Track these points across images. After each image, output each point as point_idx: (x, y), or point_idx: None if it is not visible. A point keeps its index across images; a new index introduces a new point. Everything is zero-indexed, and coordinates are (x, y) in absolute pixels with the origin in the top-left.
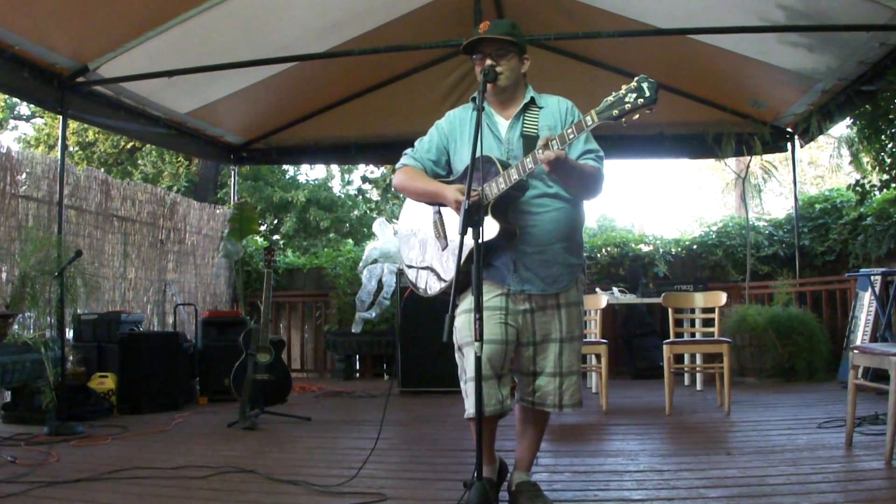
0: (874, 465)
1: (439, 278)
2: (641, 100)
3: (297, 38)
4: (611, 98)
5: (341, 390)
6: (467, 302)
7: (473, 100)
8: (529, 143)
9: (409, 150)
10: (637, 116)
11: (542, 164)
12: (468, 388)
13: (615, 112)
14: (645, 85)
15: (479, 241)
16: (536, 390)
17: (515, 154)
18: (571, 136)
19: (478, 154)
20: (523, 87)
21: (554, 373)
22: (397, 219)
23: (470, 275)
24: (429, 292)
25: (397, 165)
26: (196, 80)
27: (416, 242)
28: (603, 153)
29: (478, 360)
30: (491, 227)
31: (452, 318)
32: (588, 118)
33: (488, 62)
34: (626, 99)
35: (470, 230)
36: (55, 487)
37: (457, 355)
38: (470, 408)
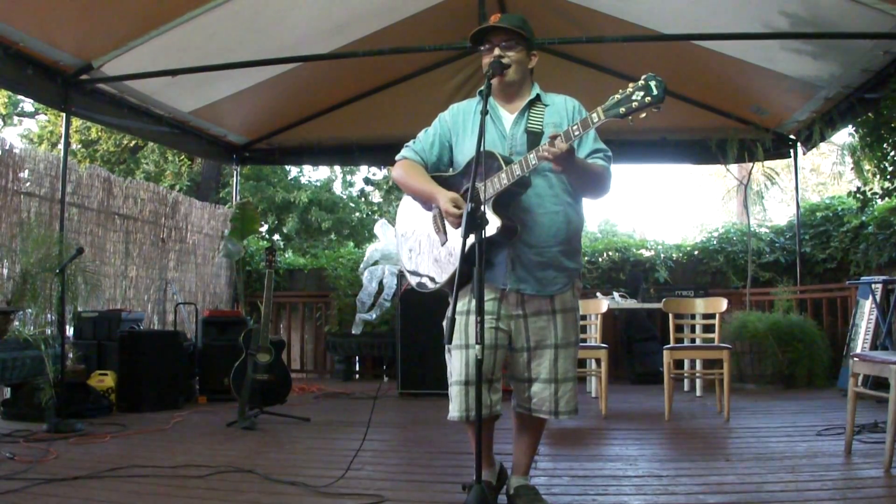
0: (873, 474)
1: (437, 275)
2: (649, 98)
3: (301, 39)
4: (618, 95)
5: (341, 391)
6: (460, 304)
7: (481, 93)
8: (533, 139)
9: (410, 143)
10: (644, 115)
11: (546, 161)
12: (452, 391)
13: (622, 110)
14: (653, 83)
15: (482, 244)
16: (532, 397)
17: (519, 150)
18: (577, 133)
19: (482, 149)
20: (529, 82)
21: (549, 379)
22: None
23: (465, 275)
24: (426, 288)
25: (397, 157)
26: (200, 79)
27: (414, 236)
28: (611, 152)
29: (478, 363)
30: (492, 223)
31: (453, 320)
32: (594, 115)
33: (496, 52)
34: (634, 97)
35: (467, 231)
36: (54, 485)
37: (446, 356)
38: (452, 411)
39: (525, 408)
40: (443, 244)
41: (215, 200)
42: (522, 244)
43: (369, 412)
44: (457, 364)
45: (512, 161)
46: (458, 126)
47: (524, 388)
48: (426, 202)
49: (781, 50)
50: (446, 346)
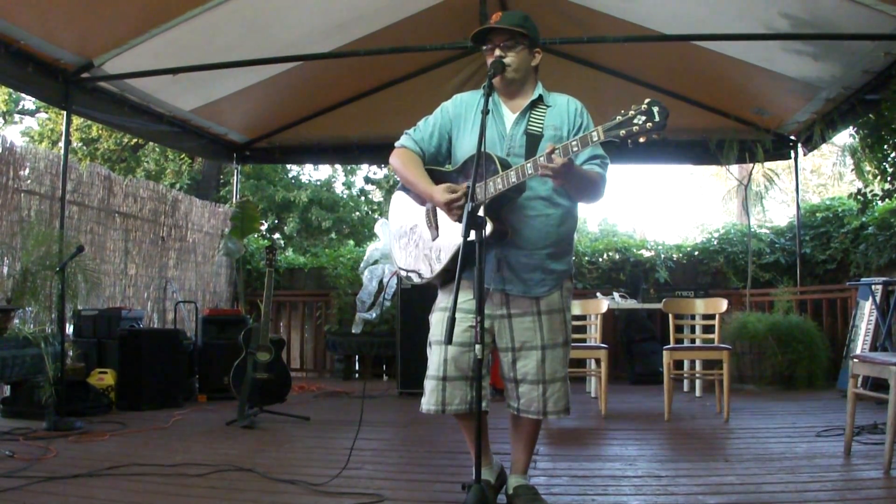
0: (872, 475)
1: (424, 270)
2: (650, 124)
3: (301, 38)
4: (619, 117)
5: (340, 390)
6: (445, 301)
7: (485, 87)
8: (532, 141)
9: (411, 130)
10: (643, 140)
11: (545, 176)
12: (427, 385)
13: (622, 132)
14: (655, 109)
15: (481, 243)
16: (520, 397)
17: (516, 151)
18: (576, 149)
19: (482, 154)
20: (533, 81)
21: (537, 380)
22: None
23: (453, 273)
24: (413, 280)
25: (397, 144)
26: (200, 77)
27: (405, 230)
28: (609, 159)
29: (479, 362)
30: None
31: (453, 320)
32: (594, 133)
33: (497, 53)
34: (635, 121)
35: (467, 230)
36: (53, 483)
37: (427, 350)
38: (425, 403)
39: (514, 407)
40: (433, 240)
41: (216, 199)
42: (511, 246)
43: (370, 412)
44: (434, 359)
45: (509, 164)
46: (459, 118)
47: (513, 388)
48: (419, 196)
49: (782, 51)
50: (428, 340)
